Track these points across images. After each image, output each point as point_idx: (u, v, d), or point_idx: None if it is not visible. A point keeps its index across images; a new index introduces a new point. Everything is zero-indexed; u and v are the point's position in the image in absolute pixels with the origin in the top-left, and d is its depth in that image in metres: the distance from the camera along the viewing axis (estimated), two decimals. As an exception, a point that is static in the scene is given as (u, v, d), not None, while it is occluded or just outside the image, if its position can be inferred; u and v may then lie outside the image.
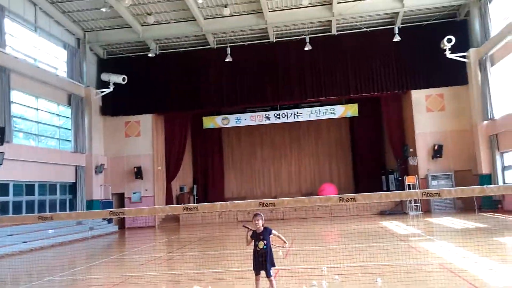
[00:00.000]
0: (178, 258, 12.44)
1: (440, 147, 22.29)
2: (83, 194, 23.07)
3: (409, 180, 21.55)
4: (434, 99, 22.90)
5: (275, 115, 26.07)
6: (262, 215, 6.45)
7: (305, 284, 7.29)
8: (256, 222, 6.32)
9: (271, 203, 5.01)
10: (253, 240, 6.35)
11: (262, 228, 6.35)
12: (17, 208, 18.91)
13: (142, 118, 25.08)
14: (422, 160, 22.70)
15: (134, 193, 24.80)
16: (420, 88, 22.85)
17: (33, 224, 18.14)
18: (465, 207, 21.41)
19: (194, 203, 26.08)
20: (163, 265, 11.40)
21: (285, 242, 6.44)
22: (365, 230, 15.40)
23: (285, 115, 26.00)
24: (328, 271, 8.31)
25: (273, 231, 6.39)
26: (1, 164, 17.16)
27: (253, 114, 26.31)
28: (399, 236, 13.68)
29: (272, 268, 6.35)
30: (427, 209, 22.20)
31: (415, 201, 21.64)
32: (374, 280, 7.30)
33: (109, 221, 23.96)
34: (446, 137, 22.58)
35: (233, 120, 26.58)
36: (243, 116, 26.47)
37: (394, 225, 17.00)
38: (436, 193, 4.82)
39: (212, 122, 26.89)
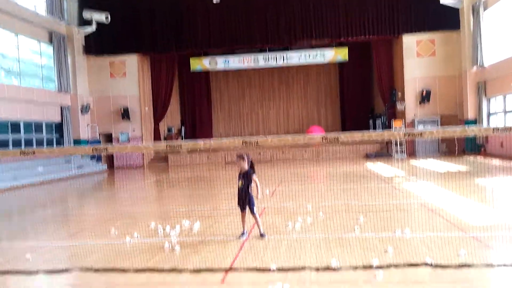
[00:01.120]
0: (167, 197, 12.73)
1: (428, 92, 22.47)
2: (70, 134, 22.99)
3: (396, 124, 21.86)
4: (425, 45, 22.74)
5: (264, 58, 25.64)
6: (245, 156, 6.51)
7: (290, 220, 7.59)
8: (238, 164, 6.51)
9: (254, 142, 5.07)
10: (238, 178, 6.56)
11: (245, 168, 6.48)
12: (4, 146, 18.85)
13: (127, 59, 24.51)
14: (409, 105, 22.94)
15: (121, 133, 24.78)
16: (411, 32, 22.59)
17: (22, 162, 18.23)
18: (449, 150, 22.00)
19: (182, 144, 26.20)
20: (152, 202, 11.67)
21: (257, 194, 6.50)
22: (350, 172, 15.82)
23: (274, 58, 25.59)
24: (313, 209, 8.63)
25: (253, 176, 6.48)
26: (-15, 102, 16.86)
27: (241, 56, 25.84)
28: (383, 177, 14.11)
29: (253, 206, 6.52)
30: (411, 152, 22.74)
31: (400, 144, 22.10)
32: (357, 218, 7.62)
33: (98, 159, 24.11)
34: (435, 83, 22.71)
35: (221, 62, 26.11)
36: (231, 58, 25.97)
37: (378, 167, 17.46)
38: (418, 134, 4.92)
39: (199, 64, 26.38)
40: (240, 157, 6.50)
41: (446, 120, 22.26)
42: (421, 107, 22.84)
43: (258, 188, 6.49)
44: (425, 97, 22.48)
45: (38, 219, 9.65)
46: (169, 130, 28.44)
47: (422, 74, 22.79)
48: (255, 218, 6.59)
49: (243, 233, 6.61)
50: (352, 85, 27.98)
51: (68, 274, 5.26)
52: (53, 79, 22.51)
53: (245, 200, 6.50)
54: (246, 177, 6.48)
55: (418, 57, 22.83)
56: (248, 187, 6.48)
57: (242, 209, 6.57)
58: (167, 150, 5.33)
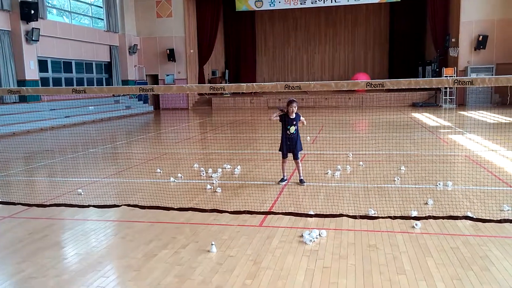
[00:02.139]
0: (210, 139, 13.03)
1: (485, 37, 20.97)
2: (119, 74, 23.60)
3: (447, 72, 20.75)
4: (487, -17, 20.94)
5: (312, -3, 24.56)
6: (297, 102, 6.55)
7: (330, 168, 7.61)
8: (293, 108, 6.41)
9: (297, 86, 5.00)
10: (283, 124, 6.51)
11: (294, 114, 6.48)
12: (57, 84, 19.69)
13: (173, -3, 24.29)
14: (463, 51, 21.59)
15: (167, 75, 25.12)
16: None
17: (74, 101, 19.06)
18: (502, 101, 20.82)
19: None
20: (196, 144, 12.01)
21: (303, 123, 6.61)
22: (394, 121, 15.43)
23: (322, -2, 24.47)
24: (354, 158, 8.60)
25: (302, 117, 6.56)
26: (37, 41, 17.45)
27: (288, -5, 24.87)
28: (429, 127, 13.69)
29: (300, 151, 6.62)
30: (461, 102, 21.75)
31: (450, 94, 21.12)
32: (398, 168, 7.53)
33: (145, 101, 24.78)
34: (493, 27, 21.11)
35: (266, 3, 25.29)
36: (277, -2, 25.07)
37: (425, 117, 16.91)
38: (468, 81, 4.63)
39: (244, 4, 25.69)
40: (294, 102, 6.46)
41: (502, 69, 20.81)
42: (475, 54, 21.46)
43: (304, 122, 6.61)
44: (481, 43, 21.03)
45: (89, 156, 10.22)
46: (213, 73, 28.50)
47: (480, 17, 21.16)
48: (298, 164, 6.66)
49: (283, 179, 6.70)
50: (403, 28, 26.52)
51: (116, 209, 5.63)
52: (102, 18, 22.80)
53: (296, 146, 6.52)
54: (297, 122, 6.49)
55: (478, -2, 21.15)
56: (298, 132, 6.54)
57: (285, 156, 6.60)
58: (211, 91, 5.38)
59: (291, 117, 6.47)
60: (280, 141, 6.66)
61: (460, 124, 14.25)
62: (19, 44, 17.03)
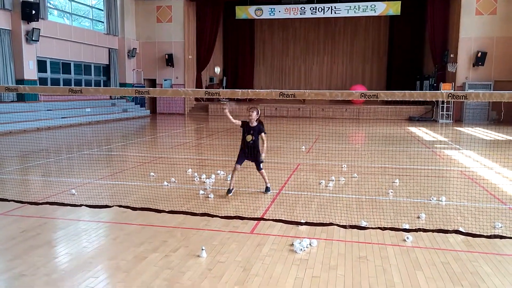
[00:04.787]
0: (205, 145, 13.02)
1: (484, 54, 21.18)
2: (117, 77, 23.61)
3: (444, 87, 20.92)
4: (486, 1, 21.19)
5: (311, 8, 24.77)
6: (259, 110, 6.44)
7: (323, 178, 7.63)
8: (250, 113, 6.30)
9: (291, 94, 5.03)
10: (243, 131, 6.39)
11: (255, 123, 6.34)
12: (55, 85, 19.66)
13: (174, 3, 24.41)
14: (461, 67, 21.78)
15: (165, 80, 25.16)
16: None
17: (71, 102, 19.04)
18: (499, 118, 20.96)
19: (223, 94, 26.37)
20: (191, 149, 12.00)
21: (263, 152, 6.37)
22: (390, 134, 15.50)
23: (321, 9, 24.67)
24: (348, 169, 8.62)
25: (263, 134, 6.35)
26: (37, 41, 17.46)
27: (288, 6, 25.08)
28: (425, 142, 13.75)
29: (261, 163, 6.46)
30: (458, 118, 21.88)
31: (447, 109, 21.26)
32: (392, 181, 7.56)
33: (142, 105, 24.77)
34: (492, 44, 21.32)
35: (266, 12, 25.49)
36: (277, 7, 25.29)
37: (421, 131, 16.99)
38: (462, 96, 4.67)
39: (245, 12, 25.87)
40: (255, 108, 6.35)
41: (500, 86, 21.02)
42: (474, 70, 21.65)
43: (265, 147, 6.40)
44: (479, 59, 21.23)
45: (84, 157, 10.19)
46: (211, 80, 28.57)
47: (479, 34, 21.39)
48: (263, 174, 6.55)
49: (230, 190, 6.44)
50: (402, 42, 26.74)
51: (108, 210, 5.61)
52: (102, 21, 22.87)
53: (256, 155, 6.37)
54: (257, 133, 6.33)
55: (476, 15, 21.36)
56: (257, 143, 6.38)
57: (239, 163, 6.41)
58: (206, 96, 5.41)
59: (251, 125, 6.34)
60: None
61: (456, 140, 14.33)
62: (19, 43, 17.03)
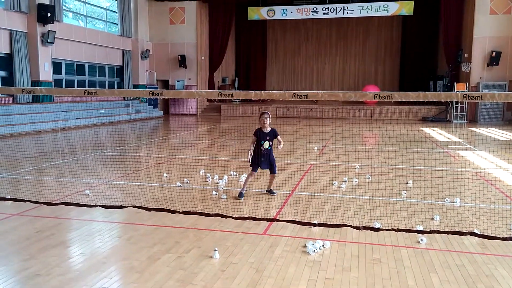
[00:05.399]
0: (217, 145, 13.06)
1: (498, 54, 20.89)
2: (130, 78, 23.83)
3: (458, 87, 20.67)
4: (501, 0, 20.90)
5: (324, 9, 24.69)
6: (270, 114, 6.37)
7: (336, 179, 7.60)
8: (264, 120, 6.18)
9: (304, 95, 5.01)
10: (257, 139, 6.24)
11: (269, 128, 6.27)
12: (70, 86, 19.94)
13: (187, 5, 24.54)
14: (476, 67, 21.51)
15: (177, 81, 25.31)
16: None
17: (85, 103, 19.27)
18: (514, 119, 20.68)
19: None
20: (203, 150, 12.05)
21: (280, 142, 6.29)
22: (404, 135, 15.37)
23: (334, 10, 24.57)
24: (361, 170, 8.57)
25: (279, 136, 6.29)
26: (52, 43, 17.71)
27: (300, 7, 25.03)
28: (438, 143, 13.61)
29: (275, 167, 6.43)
30: (472, 119, 21.61)
31: (461, 109, 21.01)
32: (405, 182, 7.49)
33: (155, 105, 24.96)
34: (507, 44, 21.03)
35: (278, 12, 25.47)
36: (289, 8, 25.26)
37: (435, 132, 16.82)
38: (477, 96, 4.61)
39: (257, 13, 25.90)
40: (266, 114, 6.22)
41: (515, 86, 20.76)
42: (488, 70, 21.37)
43: (282, 145, 6.31)
44: (494, 59, 20.94)
45: (98, 158, 10.31)
46: (223, 80, 28.66)
47: (494, 33, 21.11)
48: (273, 178, 6.49)
49: (242, 194, 6.35)
50: (415, 42, 26.50)
51: (122, 211, 5.67)
52: (116, 23, 23.10)
53: (272, 161, 6.32)
54: (272, 138, 6.25)
55: (491, 14, 21.08)
56: (272, 149, 6.31)
57: (255, 170, 6.31)
58: (220, 97, 5.44)
59: (265, 131, 6.23)
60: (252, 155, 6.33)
61: (470, 141, 14.16)
62: (34, 45, 17.30)
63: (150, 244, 4.51)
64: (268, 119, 6.24)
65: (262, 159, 6.27)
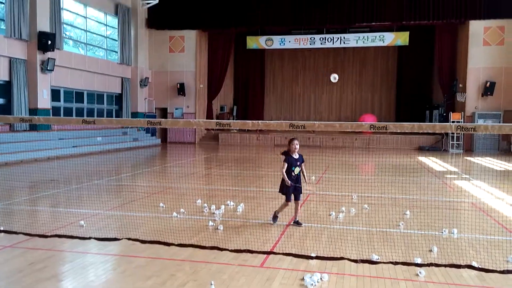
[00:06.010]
0: (215, 174, 13.03)
1: (492, 84, 21.20)
2: (129, 106, 23.96)
3: (454, 116, 20.86)
4: (493, 32, 21.37)
5: (321, 39, 25.15)
6: (298, 139, 6.40)
7: (333, 209, 7.56)
8: (295, 146, 6.22)
9: (301, 125, 5.06)
10: (288, 165, 6.23)
11: (297, 154, 6.32)
12: (68, 114, 20.01)
13: (187, 34, 24.95)
14: (470, 96, 21.78)
15: (176, 109, 25.46)
16: (479, 18, 21.27)
17: (83, 131, 19.29)
18: (509, 148, 20.77)
19: (233, 123, 26.57)
20: (200, 179, 12.01)
21: (305, 181, 6.42)
22: (400, 164, 15.40)
23: (331, 40, 25.03)
24: (358, 200, 8.54)
25: (304, 162, 6.38)
26: (52, 70, 17.86)
27: (298, 36, 25.51)
28: (435, 172, 13.62)
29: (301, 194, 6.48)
30: (468, 148, 21.71)
31: (457, 139, 21.14)
32: (403, 212, 7.46)
33: (153, 134, 25.01)
34: (500, 74, 21.38)
35: (277, 42, 25.93)
36: (287, 38, 25.74)
37: (431, 161, 16.86)
38: (471, 128, 4.66)
39: (255, 42, 26.35)
40: (296, 139, 6.28)
41: (509, 115, 20.92)
42: (483, 100, 21.63)
43: (305, 174, 6.42)
44: (488, 89, 21.24)
45: (93, 187, 10.24)
46: (222, 109, 28.84)
47: (487, 64, 21.49)
48: (299, 205, 6.55)
49: (277, 217, 6.53)
50: (411, 72, 26.93)
51: (116, 243, 5.59)
52: (116, 51, 23.42)
53: (301, 187, 6.36)
54: (301, 163, 6.31)
55: (484, 46, 21.52)
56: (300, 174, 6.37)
57: (289, 199, 6.32)
58: (217, 127, 5.48)
59: (295, 157, 6.30)
60: (280, 182, 6.38)
61: (467, 170, 14.18)
62: (34, 73, 17.43)
63: (145, 277, 4.43)
64: (298, 145, 6.28)
65: (297, 185, 6.30)
